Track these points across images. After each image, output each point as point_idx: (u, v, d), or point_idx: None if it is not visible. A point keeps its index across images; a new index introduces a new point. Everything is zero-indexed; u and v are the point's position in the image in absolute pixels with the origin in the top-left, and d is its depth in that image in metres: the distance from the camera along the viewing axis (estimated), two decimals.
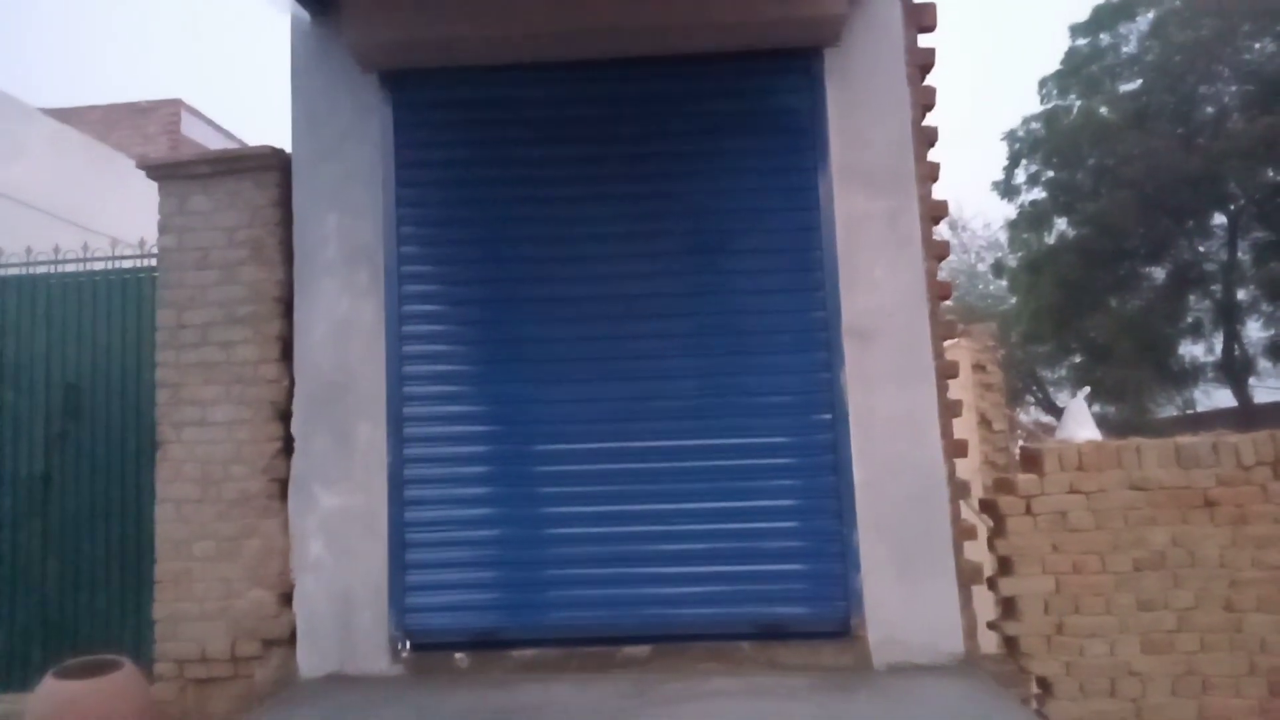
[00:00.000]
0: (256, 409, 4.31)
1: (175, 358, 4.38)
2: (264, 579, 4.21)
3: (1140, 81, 17.83)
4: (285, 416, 4.31)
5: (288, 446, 4.29)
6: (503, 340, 4.30)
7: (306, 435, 4.27)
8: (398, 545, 4.17)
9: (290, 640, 4.17)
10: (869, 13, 4.33)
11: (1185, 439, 4.25)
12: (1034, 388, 22.75)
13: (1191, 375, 18.81)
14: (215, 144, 12.73)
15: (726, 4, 4.07)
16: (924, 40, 4.43)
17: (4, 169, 8.13)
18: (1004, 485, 4.31)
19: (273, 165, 4.44)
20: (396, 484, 4.21)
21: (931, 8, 4.41)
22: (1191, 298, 18.13)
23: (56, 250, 5.22)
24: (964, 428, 5.87)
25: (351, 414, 4.26)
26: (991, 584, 4.27)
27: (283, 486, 4.27)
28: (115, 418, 4.98)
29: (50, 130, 9.19)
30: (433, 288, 4.37)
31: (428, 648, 4.13)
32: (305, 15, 4.40)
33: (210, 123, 13.33)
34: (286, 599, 4.21)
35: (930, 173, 4.34)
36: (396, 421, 4.24)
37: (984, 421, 8.69)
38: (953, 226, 24.57)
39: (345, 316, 4.32)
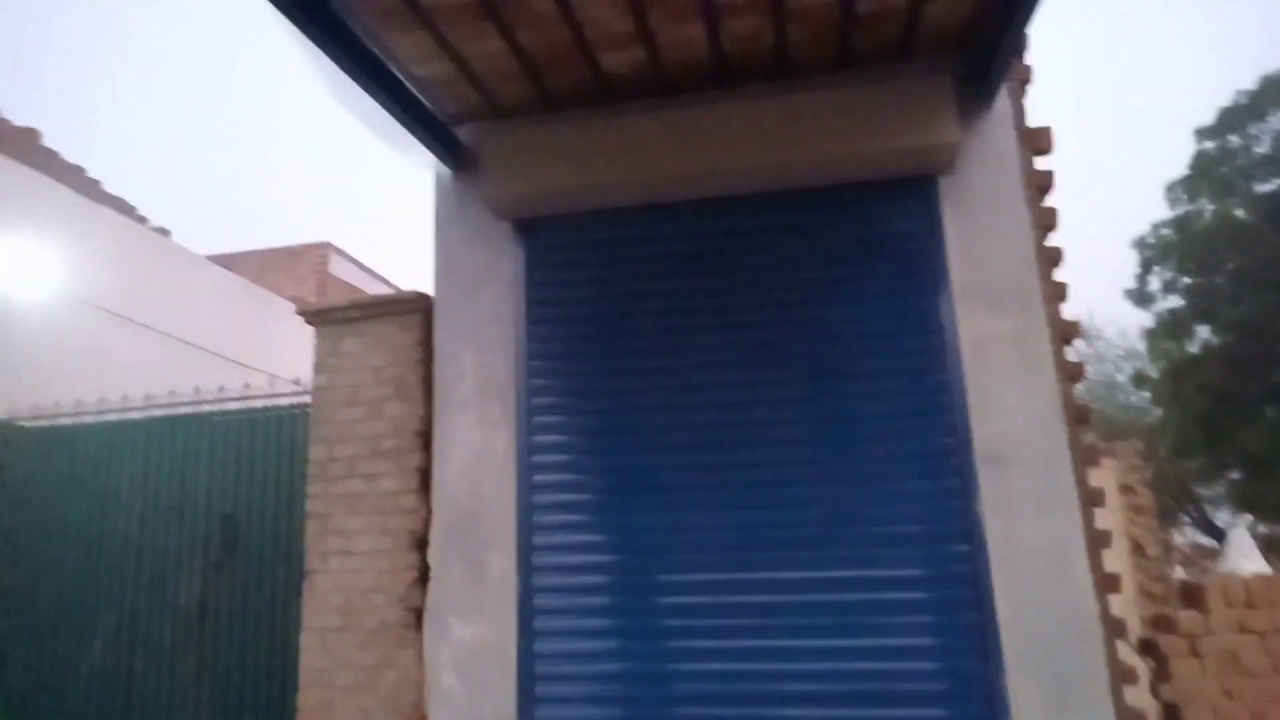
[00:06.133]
0: (396, 539, 4.50)
1: (324, 490, 4.65)
2: (400, 710, 4.28)
3: (1278, 181, 17.10)
4: (422, 546, 4.48)
5: (424, 576, 4.43)
6: (629, 469, 4.37)
7: (442, 565, 4.40)
8: (527, 677, 4.18)
9: None
10: (983, 140, 4.38)
11: None
12: (1188, 506, 21.10)
13: None
14: (359, 282, 13.76)
15: (841, 139, 4.21)
16: (1041, 162, 4.44)
17: (179, 316, 9.00)
18: (1164, 623, 4.00)
19: (416, 308, 4.77)
20: (526, 614, 4.25)
21: (1047, 131, 4.43)
22: None
23: (220, 390, 5.70)
24: (1115, 556, 5.50)
25: (484, 544, 4.37)
26: None
27: (418, 616, 4.38)
28: (268, 548, 5.28)
29: (216, 277, 10.17)
30: (560, 418, 4.52)
31: None
32: (447, 171, 4.82)
33: (355, 262, 14.43)
34: None
35: (1057, 293, 4.26)
36: (526, 551, 4.33)
37: (1136, 548, 8.09)
38: (1086, 336, 23.65)
39: (479, 448, 4.50)
